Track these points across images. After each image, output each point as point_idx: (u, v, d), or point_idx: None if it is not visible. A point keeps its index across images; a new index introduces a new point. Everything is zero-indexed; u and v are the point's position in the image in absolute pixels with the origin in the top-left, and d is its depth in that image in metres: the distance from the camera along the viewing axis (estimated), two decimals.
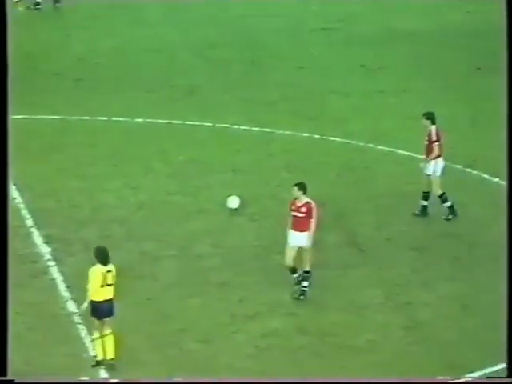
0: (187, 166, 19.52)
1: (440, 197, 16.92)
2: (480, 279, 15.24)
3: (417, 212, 17.04)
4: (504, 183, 18.52)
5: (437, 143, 16.78)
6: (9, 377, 11.31)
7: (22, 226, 16.62)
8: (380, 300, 14.66)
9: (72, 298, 14.52)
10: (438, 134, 16.90)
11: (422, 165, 17.07)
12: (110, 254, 12.92)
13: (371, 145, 20.54)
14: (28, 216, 17.01)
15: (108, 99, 23.12)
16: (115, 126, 21.58)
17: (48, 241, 16.14)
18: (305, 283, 14.55)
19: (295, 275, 14.60)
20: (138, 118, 22.04)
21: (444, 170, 17.04)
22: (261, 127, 21.54)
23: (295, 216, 14.48)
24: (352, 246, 16.22)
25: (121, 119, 21.94)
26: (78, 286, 14.67)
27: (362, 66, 25.53)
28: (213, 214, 17.43)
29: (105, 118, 21.98)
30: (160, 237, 16.56)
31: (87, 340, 13.53)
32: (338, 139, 20.88)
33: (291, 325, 14.06)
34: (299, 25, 28.84)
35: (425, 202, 17.01)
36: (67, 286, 14.86)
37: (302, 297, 14.54)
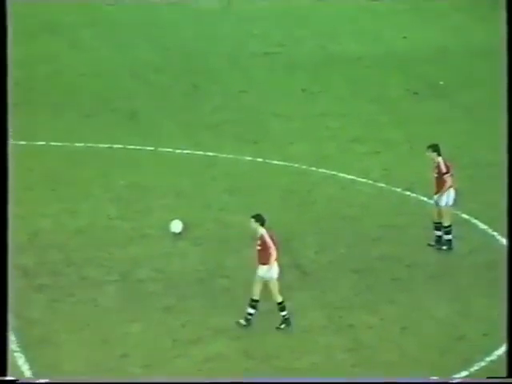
0: (128, 190, 19.34)
1: (446, 227, 16.83)
2: (418, 300, 15.33)
3: (432, 243, 16.87)
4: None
5: (447, 174, 16.68)
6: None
7: None
8: (323, 323, 14.64)
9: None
10: (446, 165, 16.77)
11: (435, 198, 16.83)
12: (49, 279, 12.68)
13: (313, 168, 20.61)
14: None
15: (46, 124, 22.83)
16: (54, 151, 21.31)
17: None
18: (283, 313, 14.45)
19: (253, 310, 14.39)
20: (78, 142, 21.80)
21: (455, 201, 16.84)
22: (203, 151, 21.48)
23: (256, 249, 14.31)
24: (295, 269, 16.20)
25: (60, 144, 21.68)
26: (15, 314, 14.36)
27: (303, 89, 25.68)
28: (155, 239, 17.26)
29: (43, 143, 21.70)
30: (101, 262, 16.34)
31: (25, 368, 13.23)
32: (280, 162, 20.92)
33: (235, 349, 13.95)
34: (240, 49, 28.93)
35: (439, 233, 16.87)
36: None
37: (283, 325, 14.41)
